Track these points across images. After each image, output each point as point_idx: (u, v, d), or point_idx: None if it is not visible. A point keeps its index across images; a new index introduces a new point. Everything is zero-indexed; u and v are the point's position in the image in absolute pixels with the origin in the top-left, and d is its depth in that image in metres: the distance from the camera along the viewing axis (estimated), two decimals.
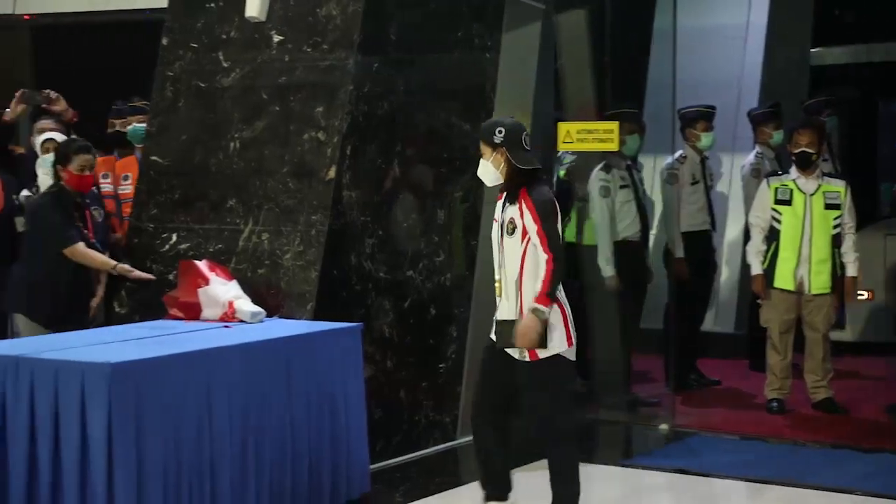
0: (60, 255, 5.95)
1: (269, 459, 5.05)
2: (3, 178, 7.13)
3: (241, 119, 6.32)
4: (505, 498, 5.09)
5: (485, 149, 4.96)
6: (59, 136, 7.09)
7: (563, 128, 7.21)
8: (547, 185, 5.01)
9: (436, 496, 5.81)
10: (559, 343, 4.86)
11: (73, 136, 6.46)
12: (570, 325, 4.91)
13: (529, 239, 4.82)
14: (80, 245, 5.96)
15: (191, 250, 6.25)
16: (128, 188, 6.89)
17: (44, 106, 7.38)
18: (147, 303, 6.16)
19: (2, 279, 6.84)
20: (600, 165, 7.70)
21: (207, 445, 4.78)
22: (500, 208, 4.97)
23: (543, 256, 4.77)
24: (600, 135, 7.12)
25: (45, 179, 7.02)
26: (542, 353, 4.84)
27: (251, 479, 4.96)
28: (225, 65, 6.40)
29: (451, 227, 6.75)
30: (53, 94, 7.21)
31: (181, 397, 4.68)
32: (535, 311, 4.77)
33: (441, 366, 6.69)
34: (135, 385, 4.50)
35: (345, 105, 6.07)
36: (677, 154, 8.09)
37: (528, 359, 4.87)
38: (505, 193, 4.97)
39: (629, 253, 7.70)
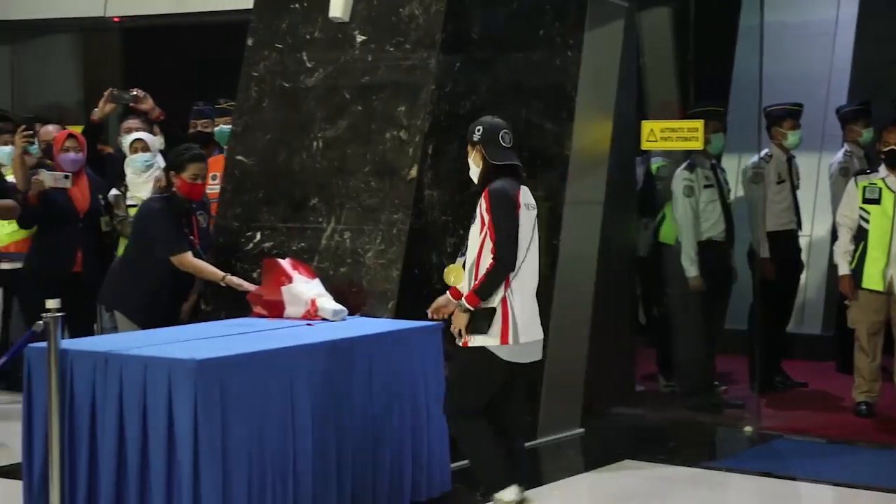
0: (167, 261, 6.07)
1: (352, 455, 5.10)
2: (90, 177, 7.27)
3: (324, 118, 6.37)
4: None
5: (468, 148, 5.11)
6: (147, 137, 7.23)
7: (647, 126, 7.17)
8: (512, 182, 5.02)
9: None
10: (491, 338, 4.88)
11: (188, 145, 6.55)
12: (510, 325, 4.89)
13: (487, 232, 4.91)
14: (189, 254, 6.08)
15: (274, 248, 6.31)
16: (216, 188, 6.99)
17: (131, 105, 7.51)
18: (232, 301, 6.24)
19: (89, 275, 7.00)
20: (684, 164, 7.64)
21: (290, 440, 4.83)
22: None
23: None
24: (684, 133, 7.07)
25: (133, 179, 7.18)
26: (471, 342, 4.90)
27: (333, 474, 5.01)
28: (309, 65, 6.46)
29: None
30: (141, 93, 7.33)
31: (265, 393, 4.75)
32: (459, 304, 4.91)
33: None
34: (219, 381, 4.57)
35: (427, 104, 6.10)
36: (763, 153, 8.00)
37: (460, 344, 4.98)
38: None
39: (713, 253, 7.64)
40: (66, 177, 6.91)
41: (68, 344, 4.79)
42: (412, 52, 6.18)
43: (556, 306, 6.80)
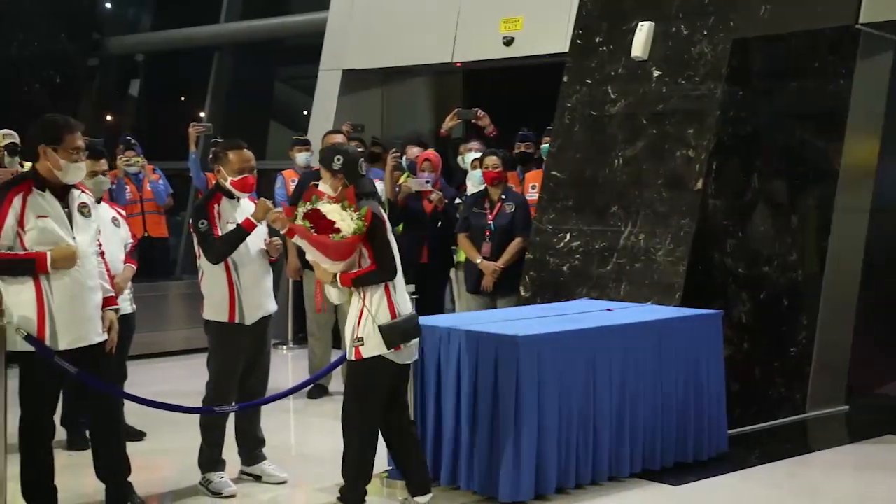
0: None
1: (643, 420, 5.04)
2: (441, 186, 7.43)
3: (624, 140, 6.33)
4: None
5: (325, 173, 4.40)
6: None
7: None
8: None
9: (786, 461, 5.55)
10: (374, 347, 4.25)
11: None
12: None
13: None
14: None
15: (580, 248, 6.34)
16: (534, 195, 7.08)
17: (472, 121, 7.76)
18: (547, 287, 6.32)
19: (433, 265, 7.19)
20: None
21: (591, 407, 4.83)
22: None
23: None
24: None
25: (471, 190, 7.35)
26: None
27: (626, 435, 4.97)
28: (612, 96, 6.44)
29: (803, 230, 6.42)
30: (480, 113, 7.59)
31: (572, 366, 4.77)
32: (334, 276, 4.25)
33: (792, 349, 6.39)
34: (537, 355, 4.63)
35: (712, 127, 5.94)
36: None
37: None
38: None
39: None
40: (427, 181, 7.14)
41: (420, 320, 4.96)
42: (701, 84, 6.04)
43: (824, 298, 6.45)
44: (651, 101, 6.24)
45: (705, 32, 6.08)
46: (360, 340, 4.20)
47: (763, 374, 6.21)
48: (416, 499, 4.49)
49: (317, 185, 4.41)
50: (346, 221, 4.13)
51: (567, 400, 4.73)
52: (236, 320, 4.81)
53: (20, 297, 4.15)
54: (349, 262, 4.24)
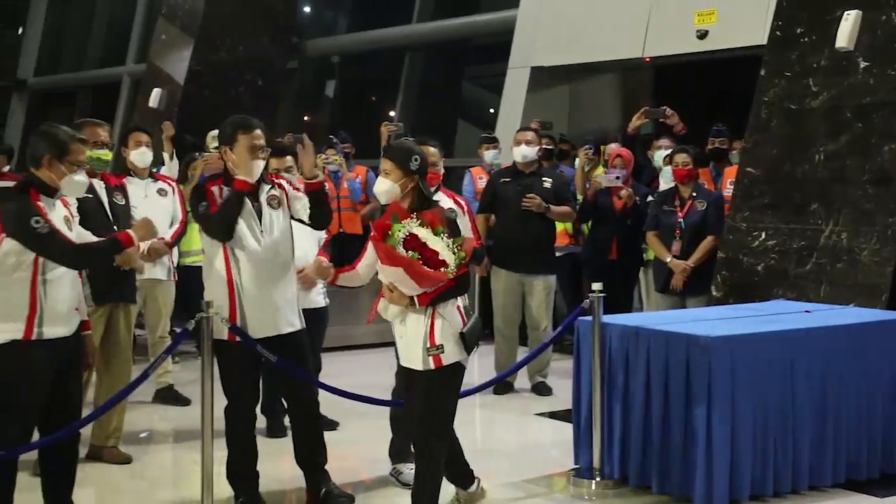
0: None
1: (846, 427, 4.76)
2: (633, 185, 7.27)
3: (825, 134, 6.02)
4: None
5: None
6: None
7: None
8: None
9: None
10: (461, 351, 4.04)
11: None
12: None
13: None
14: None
15: (777, 246, 6.08)
16: (728, 191, 6.83)
17: (660, 119, 7.56)
18: (740, 287, 6.09)
19: (623, 262, 7.06)
20: None
21: (789, 412, 4.60)
22: None
23: None
24: None
25: (663, 187, 7.17)
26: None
27: (829, 443, 4.70)
28: (814, 89, 6.14)
29: None
30: (669, 111, 7.35)
31: (768, 370, 4.55)
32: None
33: None
34: (730, 355, 4.46)
35: None
36: None
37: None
38: None
39: None
40: (617, 178, 7.01)
41: (608, 318, 4.89)
42: None
43: None
44: (856, 94, 5.91)
45: None
46: (441, 348, 3.96)
47: None
48: (468, 490, 4.43)
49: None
50: (446, 252, 3.88)
51: (762, 404, 4.53)
52: None
53: (215, 289, 4.33)
54: None
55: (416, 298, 3.92)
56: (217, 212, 4.34)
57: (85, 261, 4.00)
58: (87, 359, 4.19)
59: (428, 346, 3.95)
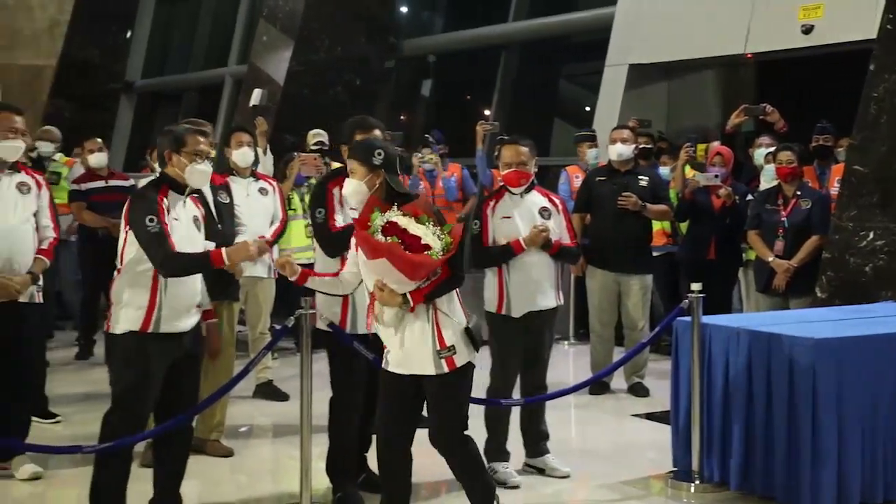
0: None
1: None
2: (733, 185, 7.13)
3: None
4: None
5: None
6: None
7: None
8: None
9: None
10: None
11: None
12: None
13: None
14: None
15: (885, 247, 5.87)
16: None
17: (760, 117, 7.38)
18: (846, 288, 5.91)
19: (721, 262, 6.90)
20: None
21: None
22: None
23: None
24: None
25: (764, 186, 7.01)
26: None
27: None
28: None
29: None
30: (769, 108, 7.16)
31: (877, 374, 4.41)
32: None
33: None
34: (835, 360, 4.33)
35: None
36: None
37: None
38: None
39: None
40: (716, 176, 6.87)
41: (708, 319, 4.80)
42: None
43: None
44: None
45: None
46: (452, 349, 3.76)
47: None
48: None
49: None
50: (430, 237, 3.69)
51: (871, 409, 4.39)
52: (503, 312, 4.86)
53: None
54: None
55: (409, 296, 3.72)
56: (339, 233, 4.28)
57: (174, 269, 3.99)
58: (214, 345, 4.31)
59: (438, 348, 3.76)
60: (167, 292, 3.99)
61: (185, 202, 4.10)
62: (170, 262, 3.95)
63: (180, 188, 4.08)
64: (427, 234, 3.68)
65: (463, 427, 3.88)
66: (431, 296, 3.74)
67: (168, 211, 3.99)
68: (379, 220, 3.70)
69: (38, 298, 4.97)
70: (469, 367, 3.85)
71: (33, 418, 5.22)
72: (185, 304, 4.05)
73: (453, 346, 3.76)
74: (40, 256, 4.91)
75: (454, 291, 3.83)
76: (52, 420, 5.91)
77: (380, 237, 3.67)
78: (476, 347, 3.85)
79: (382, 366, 3.91)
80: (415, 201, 3.82)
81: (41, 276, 4.96)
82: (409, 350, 3.80)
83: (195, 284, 4.12)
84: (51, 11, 15.89)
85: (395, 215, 3.71)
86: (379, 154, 3.86)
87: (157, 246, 3.92)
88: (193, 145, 4.07)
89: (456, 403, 3.86)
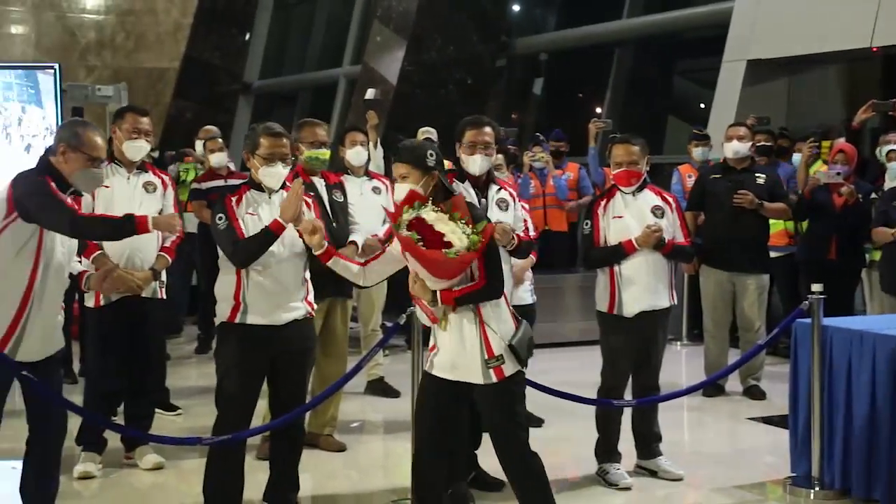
0: None
1: None
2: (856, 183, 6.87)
3: None
4: None
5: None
6: None
7: None
8: None
9: None
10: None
11: None
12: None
13: None
14: None
15: None
16: None
17: (890, 113, 7.11)
18: None
19: (843, 262, 6.67)
20: None
21: None
22: None
23: None
24: None
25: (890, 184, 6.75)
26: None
27: None
28: None
29: None
30: None
31: None
32: None
33: None
34: None
35: None
36: None
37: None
38: None
39: None
40: (838, 174, 6.66)
41: (828, 321, 4.65)
42: None
43: None
44: None
45: None
46: (500, 359, 3.63)
47: None
48: None
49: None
50: (456, 234, 3.55)
51: None
52: (615, 311, 4.81)
53: None
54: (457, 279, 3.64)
55: (438, 295, 3.61)
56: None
57: (241, 258, 4.07)
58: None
59: (486, 357, 3.63)
60: (249, 287, 4.11)
61: (271, 199, 4.21)
62: (236, 252, 4.08)
63: (260, 187, 4.24)
64: (454, 231, 3.57)
65: (517, 436, 3.73)
66: (462, 300, 3.61)
67: (245, 207, 4.16)
68: (407, 214, 3.62)
69: (161, 294, 5.13)
70: (518, 374, 3.71)
71: (156, 410, 5.41)
72: (267, 300, 4.11)
73: (501, 355, 3.65)
74: (163, 254, 5.06)
75: (503, 302, 3.72)
76: (174, 412, 6.12)
77: (404, 232, 3.60)
78: (521, 363, 3.69)
79: (426, 368, 3.78)
80: (452, 198, 3.70)
81: (164, 273, 5.12)
82: (456, 355, 3.68)
83: (282, 282, 4.13)
84: (174, 15, 16.45)
85: (426, 211, 3.61)
86: (431, 155, 3.73)
87: (223, 239, 4.10)
88: (264, 148, 4.20)
89: (506, 413, 3.72)
